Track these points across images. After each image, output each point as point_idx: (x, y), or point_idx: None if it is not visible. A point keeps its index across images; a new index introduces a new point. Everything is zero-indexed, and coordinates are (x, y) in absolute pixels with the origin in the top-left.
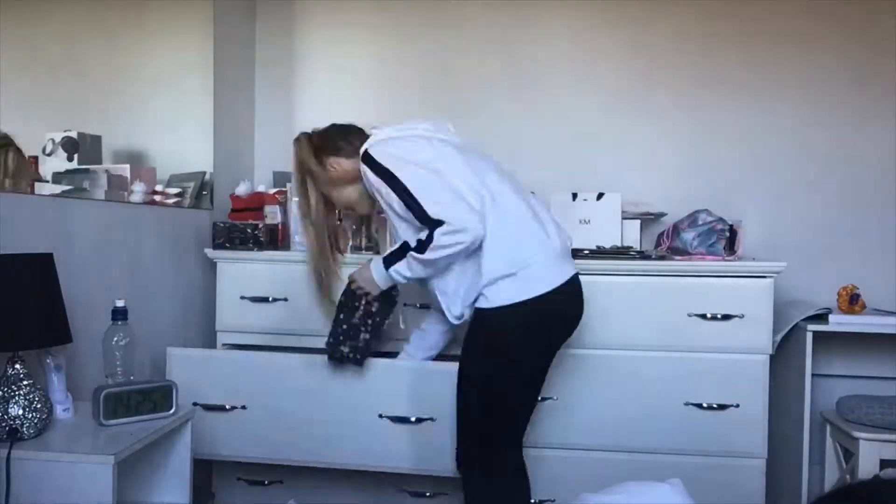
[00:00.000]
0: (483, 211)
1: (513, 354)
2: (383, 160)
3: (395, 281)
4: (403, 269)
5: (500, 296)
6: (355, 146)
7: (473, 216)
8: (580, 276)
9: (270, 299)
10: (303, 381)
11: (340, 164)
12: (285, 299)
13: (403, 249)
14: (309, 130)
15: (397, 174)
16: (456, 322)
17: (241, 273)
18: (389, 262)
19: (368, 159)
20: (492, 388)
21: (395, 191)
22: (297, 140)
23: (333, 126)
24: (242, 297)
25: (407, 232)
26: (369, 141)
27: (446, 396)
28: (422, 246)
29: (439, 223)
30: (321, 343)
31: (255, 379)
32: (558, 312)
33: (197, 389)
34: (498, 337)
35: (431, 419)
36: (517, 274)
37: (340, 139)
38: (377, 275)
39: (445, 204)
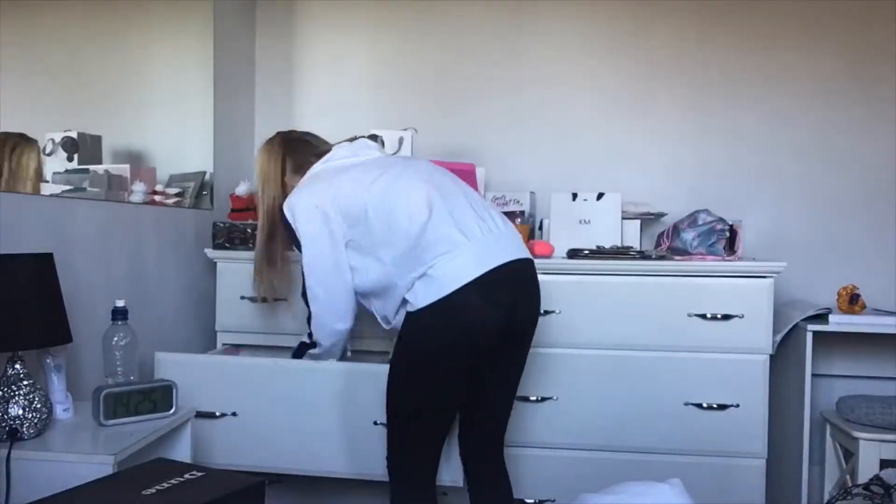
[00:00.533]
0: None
1: (423, 360)
2: (297, 227)
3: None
4: (315, 353)
5: (416, 298)
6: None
7: (334, 324)
8: (581, 277)
9: (270, 299)
10: (295, 387)
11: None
12: (285, 299)
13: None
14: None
15: (302, 241)
16: (386, 327)
17: (241, 273)
18: (298, 355)
19: (284, 221)
20: (394, 396)
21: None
22: (270, 141)
23: (306, 139)
24: (242, 297)
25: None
26: (288, 200)
27: None
28: (308, 346)
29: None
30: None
31: (245, 384)
32: (472, 308)
33: (186, 395)
34: (409, 342)
35: None
36: (426, 273)
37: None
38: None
39: (315, 299)
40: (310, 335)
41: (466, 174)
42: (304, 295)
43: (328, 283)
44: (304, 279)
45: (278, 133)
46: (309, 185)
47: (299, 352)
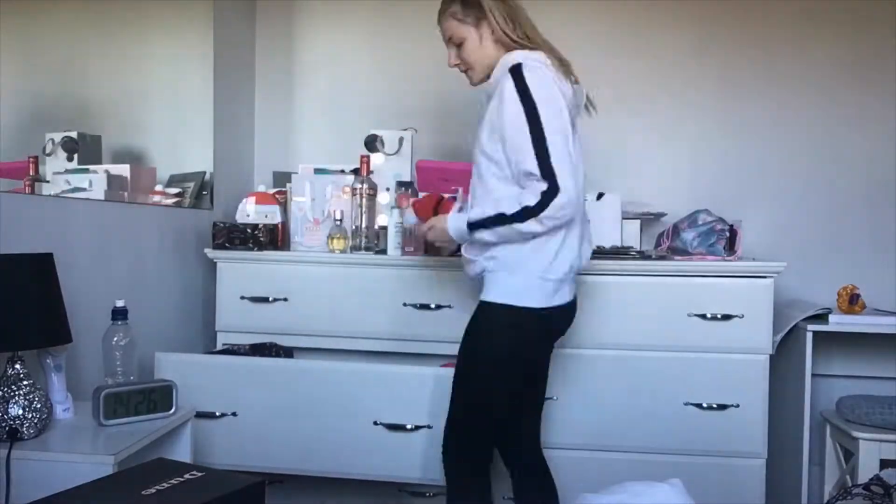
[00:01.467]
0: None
1: (503, 356)
2: (534, 87)
3: (473, 241)
4: (490, 237)
5: (515, 293)
6: (506, 41)
7: (580, 195)
8: (582, 277)
9: (270, 299)
10: (295, 387)
11: (484, 35)
12: (285, 299)
13: (498, 217)
14: None
15: (541, 111)
16: (470, 275)
17: (240, 273)
18: (476, 226)
19: (518, 74)
20: (479, 388)
21: (529, 124)
22: None
23: None
24: (242, 297)
25: (488, 185)
26: (526, 54)
27: (443, 403)
28: (526, 213)
29: (554, 190)
30: (321, 343)
31: (245, 384)
32: (551, 329)
33: (186, 395)
34: (495, 335)
35: (428, 426)
36: (545, 278)
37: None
38: (456, 233)
39: (568, 171)
40: (525, 208)
41: (466, 174)
42: (543, 174)
43: (569, 163)
44: (545, 161)
45: None
46: (556, 85)
47: (483, 222)
